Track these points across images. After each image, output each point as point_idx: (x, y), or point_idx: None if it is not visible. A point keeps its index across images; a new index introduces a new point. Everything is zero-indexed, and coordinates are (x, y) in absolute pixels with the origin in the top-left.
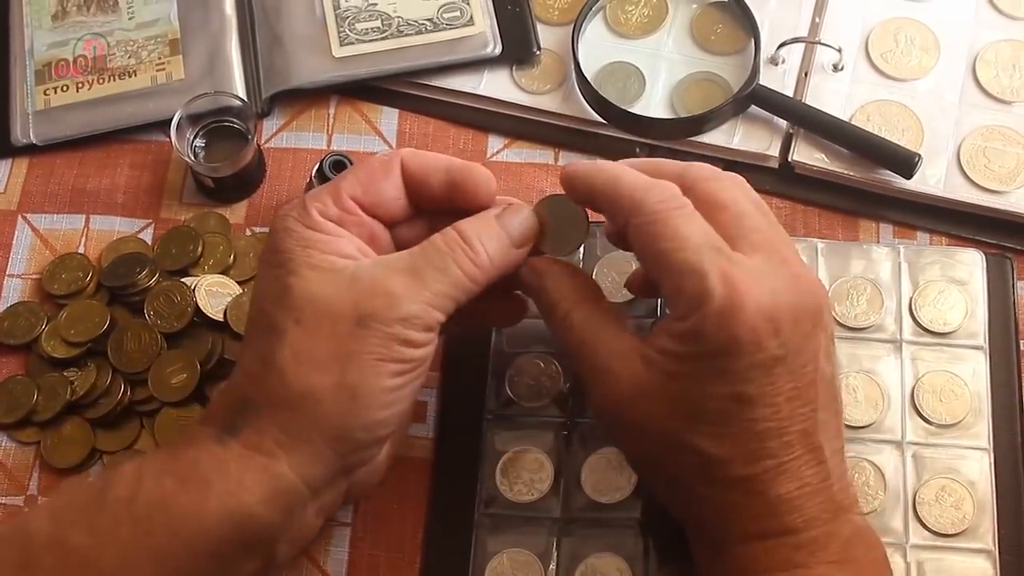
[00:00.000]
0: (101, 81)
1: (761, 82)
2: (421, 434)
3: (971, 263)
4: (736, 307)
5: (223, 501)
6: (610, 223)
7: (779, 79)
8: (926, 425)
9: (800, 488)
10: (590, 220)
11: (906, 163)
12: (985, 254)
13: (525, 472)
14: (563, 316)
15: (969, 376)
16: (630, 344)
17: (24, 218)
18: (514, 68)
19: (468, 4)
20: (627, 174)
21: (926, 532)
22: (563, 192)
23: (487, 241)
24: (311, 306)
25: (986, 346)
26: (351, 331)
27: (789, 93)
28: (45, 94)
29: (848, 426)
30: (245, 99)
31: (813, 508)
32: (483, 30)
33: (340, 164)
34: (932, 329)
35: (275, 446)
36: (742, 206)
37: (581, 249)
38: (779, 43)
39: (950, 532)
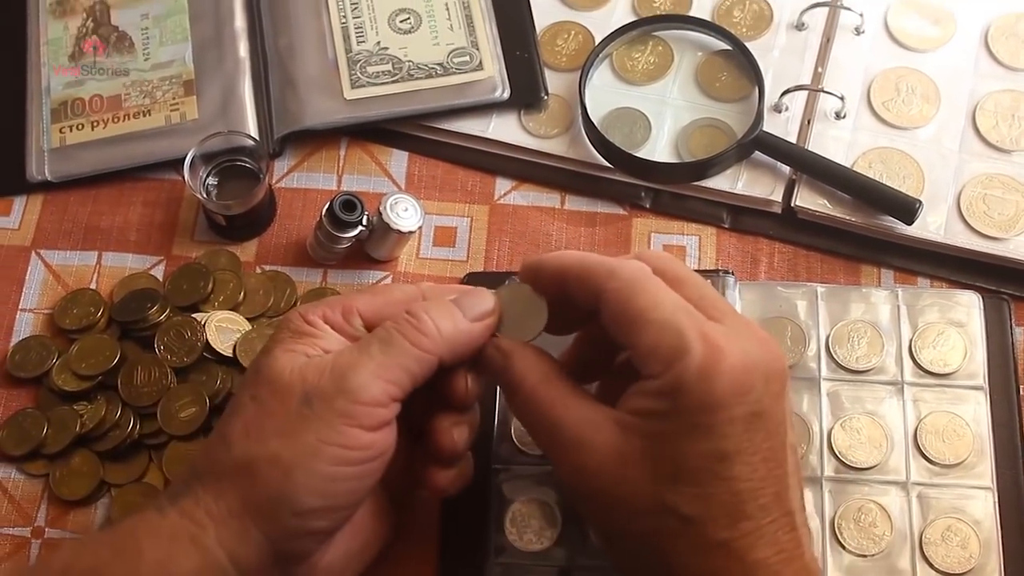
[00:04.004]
0: (116, 120)
1: (765, 128)
2: None
3: (969, 305)
4: (714, 361)
5: (153, 571)
6: (577, 300)
7: (782, 126)
8: (930, 465)
9: (778, 554)
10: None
11: (907, 209)
12: (982, 296)
13: (534, 521)
14: (530, 391)
15: (970, 416)
16: (602, 413)
17: (37, 254)
18: (522, 112)
19: (478, 49)
20: (595, 255)
21: (933, 572)
22: (521, 281)
23: (436, 315)
24: (268, 384)
25: (986, 386)
26: (297, 409)
27: (792, 140)
28: (61, 132)
29: (853, 468)
30: (257, 139)
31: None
32: (492, 75)
33: (350, 204)
34: (932, 370)
35: (206, 516)
36: (699, 280)
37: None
38: (783, 91)
39: (957, 572)
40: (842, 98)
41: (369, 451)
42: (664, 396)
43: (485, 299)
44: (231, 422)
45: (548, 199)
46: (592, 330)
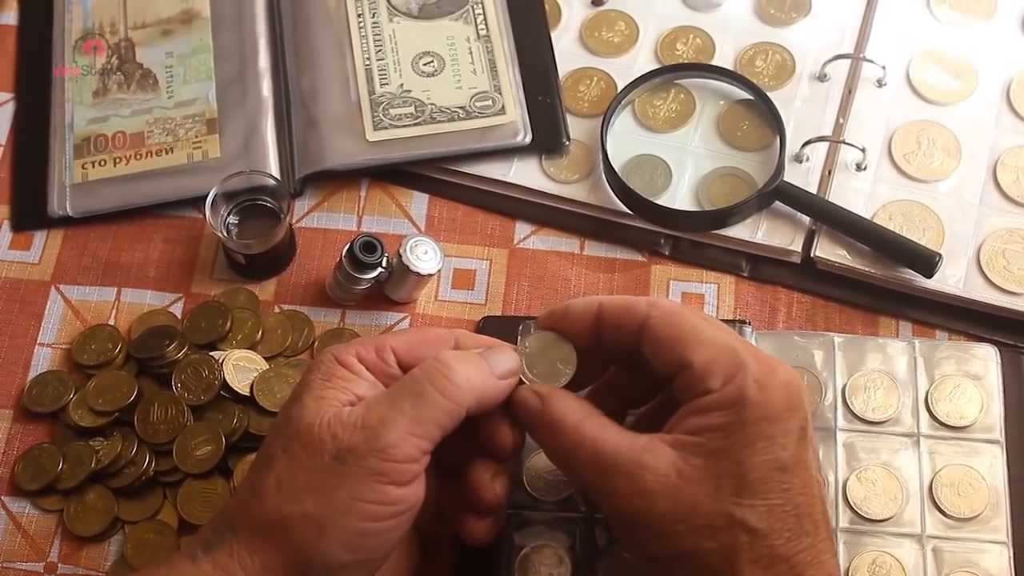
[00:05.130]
0: (138, 157)
1: (785, 178)
2: None
3: (986, 358)
4: (769, 376)
5: None
6: (610, 339)
7: (803, 176)
8: (945, 519)
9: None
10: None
11: (927, 262)
12: (999, 349)
13: (544, 567)
14: (575, 427)
15: (986, 470)
16: (651, 439)
17: (57, 289)
18: (543, 157)
19: (500, 94)
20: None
21: None
22: (543, 328)
23: (466, 366)
24: (298, 437)
25: (1002, 440)
26: (329, 465)
27: (813, 190)
28: (83, 168)
29: (868, 519)
30: (279, 179)
31: None
32: (514, 119)
33: (370, 246)
34: (948, 423)
35: (240, 570)
36: (722, 324)
37: None
38: (804, 141)
39: None
40: (863, 150)
41: (401, 505)
42: (724, 408)
43: (511, 356)
44: (264, 475)
45: (567, 244)
46: (601, 387)
